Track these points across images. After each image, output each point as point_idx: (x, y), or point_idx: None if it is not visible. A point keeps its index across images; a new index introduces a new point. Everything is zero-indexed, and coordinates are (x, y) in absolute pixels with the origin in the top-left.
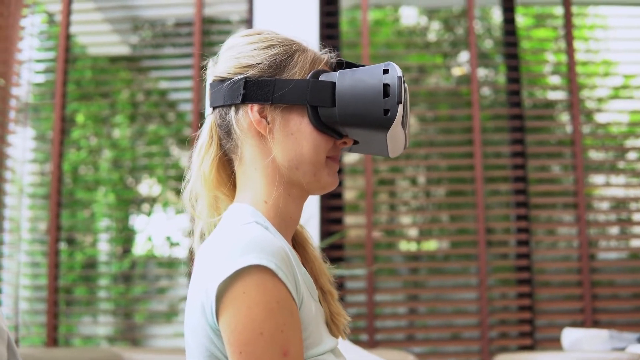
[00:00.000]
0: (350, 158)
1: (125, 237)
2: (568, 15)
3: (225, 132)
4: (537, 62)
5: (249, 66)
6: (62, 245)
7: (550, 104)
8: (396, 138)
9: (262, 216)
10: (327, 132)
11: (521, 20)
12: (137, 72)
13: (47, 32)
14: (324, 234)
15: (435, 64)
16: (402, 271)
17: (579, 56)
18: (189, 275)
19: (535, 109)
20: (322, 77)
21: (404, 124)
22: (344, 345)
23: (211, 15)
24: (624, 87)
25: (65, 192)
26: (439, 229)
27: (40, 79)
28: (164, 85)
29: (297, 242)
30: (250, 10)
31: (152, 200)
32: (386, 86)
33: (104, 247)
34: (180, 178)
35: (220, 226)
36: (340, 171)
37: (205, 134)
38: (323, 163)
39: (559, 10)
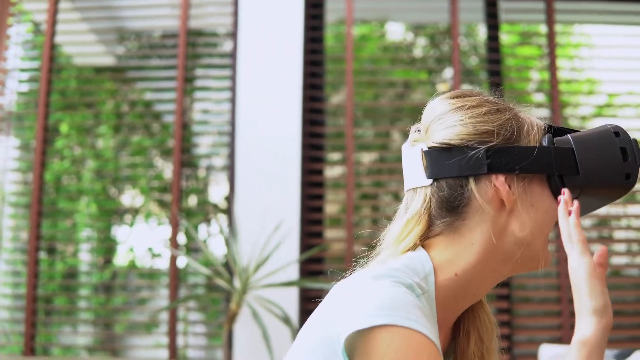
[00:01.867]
0: (333, 172)
1: (106, 248)
2: (551, 34)
3: (447, 206)
4: (521, 79)
5: (488, 132)
6: (43, 255)
7: None
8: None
9: (432, 279)
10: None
11: (506, 37)
12: (122, 82)
13: (32, 42)
14: (304, 247)
15: (420, 79)
16: None
17: (562, 74)
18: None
19: None
20: (557, 143)
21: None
22: None
23: (196, 27)
24: (608, 105)
25: (47, 202)
26: None
27: (25, 88)
28: (149, 96)
29: (464, 327)
30: (235, 24)
31: (135, 211)
32: (623, 149)
33: (85, 257)
34: (163, 189)
35: (380, 267)
36: (321, 185)
37: (418, 206)
38: (548, 237)
39: (543, 29)
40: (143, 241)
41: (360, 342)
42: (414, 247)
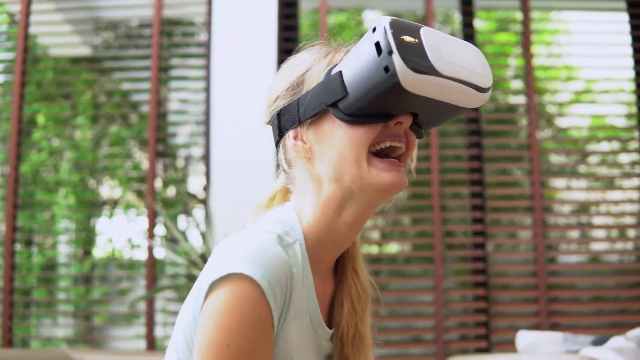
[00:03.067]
0: None
1: (85, 239)
2: (526, 20)
3: (284, 164)
4: (499, 66)
5: (277, 97)
6: (21, 247)
7: (511, 108)
8: (438, 87)
9: (299, 230)
10: (363, 121)
11: (483, 24)
12: (99, 73)
13: (6, 33)
14: None
15: None
16: None
17: (539, 61)
18: None
19: (494, 113)
20: (333, 71)
21: (420, 69)
22: None
23: (170, 17)
24: (586, 91)
25: (25, 194)
26: (399, 232)
27: (0, 79)
28: (126, 86)
29: (340, 279)
30: (209, 13)
31: (114, 203)
32: (377, 44)
33: (64, 249)
34: (141, 180)
35: (251, 227)
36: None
37: (277, 165)
38: (365, 160)
39: (519, 15)
40: (122, 232)
41: (215, 287)
42: (279, 203)
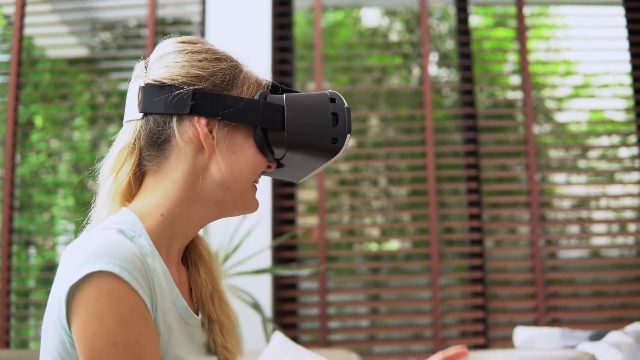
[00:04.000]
0: None
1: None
2: (520, 15)
3: (152, 141)
4: (496, 62)
5: (198, 77)
6: (18, 249)
7: (509, 104)
8: (325, 166)
9: (142, 228)
10: (267, 154)
11: (480, 20)
12: (97, 74)
13: (2, 35)
14: (277, 234)
15: (396, 64)
16: (364, 271)
17: (537, 56)
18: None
19: (491, 109)
20: (271, 99)
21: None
22: (287, 345)
23: (166, 16)
24: (584, 86)
25: (23, 196)
26: (399, 229)
27: None
28: (124, 87)
29: (192, 259)
30: (203, 12)
31: None
32: (334, 115)
33: (63, 250)
34: None
35: (89, 229)
36: None
37: (128, 138)
38: (252, 185)
39: (515, 10)
40: None
41: (78, 295)
42: (123, 198)
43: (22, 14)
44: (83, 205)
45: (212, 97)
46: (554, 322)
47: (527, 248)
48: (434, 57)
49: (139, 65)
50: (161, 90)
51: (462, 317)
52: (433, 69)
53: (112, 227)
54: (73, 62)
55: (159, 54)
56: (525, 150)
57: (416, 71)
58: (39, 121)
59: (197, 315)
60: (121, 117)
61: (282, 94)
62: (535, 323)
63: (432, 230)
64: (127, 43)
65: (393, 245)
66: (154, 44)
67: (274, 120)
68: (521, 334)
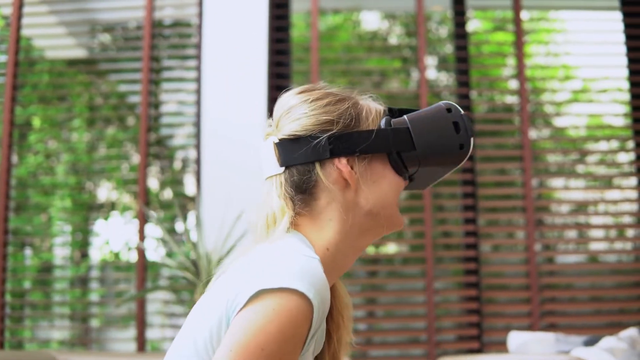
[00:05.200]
0: None
1: (82, 242)
2: (518, 20)
3: (300, 189)
4: (495, 66)
5: (329, 122)
6: (14, 250)
7: (508, 108)
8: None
9: (317, 257)
10: (402, 174)
11: (478, 24)
12: (95, 75)
13: (0, 36)
14: None
15: (395, 68)
16: (361, 274)
17: (536, 60)
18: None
19: (488, 113)
20: (394, 124)
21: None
22: None
23: (163, 18)
24: (583, 91)
25: (21, 196)
26: (396, 233)
27: None
28: (122, 88)
29: (333, 298)
30: (200, 15)
31: (111, 205)
32: (456, 124)
33: (60, 251)
34: (137, 182)
35: (278, 244)
36: None
37: (277, 195)
38: (397, 204)
39: (512, 15)
40: (118, 235)
41: (262, 297)
42: (287, 230)
43: (19, 15)
44: (80, 206)
45: (345, 137)
46: (550, 327)
47: (523, 253)
48: (432, 61)
49: (267, 123)
50: (298, 142)
51: (457, 321)
52: (432, 73)
53: (314, 256)
54: (71, 63)
55: (285, 109)
56: (521, 155)
57: (415, 75)
58: (37, 122)
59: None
60: (119, 119)
61: (399, 115)
62: (530, 328)
63: (427, 234)
64: (125, 45)
65: (390, 248)
66: (151, 46)
67: (405, 143)
68: (515, 338)
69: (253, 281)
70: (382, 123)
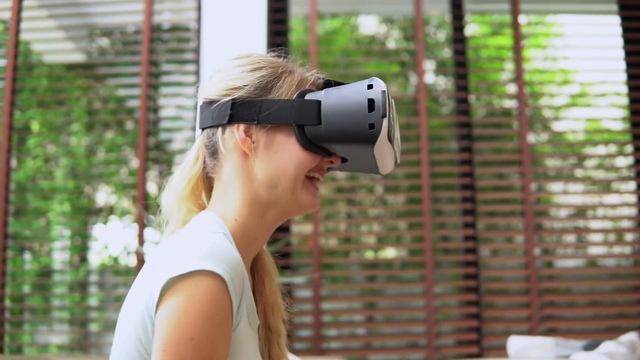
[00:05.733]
0: None
1: (81, 246)
2: (516, 24)
3: (211, 153)
4: (493, 70)
5: (236, 88)
6: (13, 254)
7: (506, 113)
8: (384, 154)
9: (228, 230)
10: (313, 150)
11: (476, 28)
12: (94, 79)
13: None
14: (271, 241)
15: (393, 72)
16: (360, 279)
17: (534, 64)
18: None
19: (486, 117)
20: (309, 97)
21: (390, 138)
22: None
23: (161, 23)
24: (581, 95)
25: (20, 201)
26: (395, 237)
27: None
28: (121, 93)
29: (257, 270)
30: (199, 19)
31: (110, 209)
32: (371, 101)
33: (59, 255)
34: (136, 186)
35: (186, 229)
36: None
37: (193, 154)
38: (301, 181)
39: (510, 19)
40: (118, 239)
41: (174, 287)
42: (198, 205)
43: (18, 19)
44: (79, 211)
45: (249, 104)
46: (549, 332)
47: (522, 257)
48: (430, 65)
49: (201, 86)
50: (210, 106)
51: (457, 325)
52: (430, 77)
53: (219, 231)
54: (70, 67)
55: (213, 72)
56: (520, 159)
57: (414, 79)
58: (35, 126)
59: (257, 319)
60: (118, 123)
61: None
62: (530, 332)
63: (426, 238)
64: (124, 49)
65: (389, 253)
66: (150, 51)
67: (309, 116)
68: (515, 343)
69: (162, 273)
70: (296, 94)
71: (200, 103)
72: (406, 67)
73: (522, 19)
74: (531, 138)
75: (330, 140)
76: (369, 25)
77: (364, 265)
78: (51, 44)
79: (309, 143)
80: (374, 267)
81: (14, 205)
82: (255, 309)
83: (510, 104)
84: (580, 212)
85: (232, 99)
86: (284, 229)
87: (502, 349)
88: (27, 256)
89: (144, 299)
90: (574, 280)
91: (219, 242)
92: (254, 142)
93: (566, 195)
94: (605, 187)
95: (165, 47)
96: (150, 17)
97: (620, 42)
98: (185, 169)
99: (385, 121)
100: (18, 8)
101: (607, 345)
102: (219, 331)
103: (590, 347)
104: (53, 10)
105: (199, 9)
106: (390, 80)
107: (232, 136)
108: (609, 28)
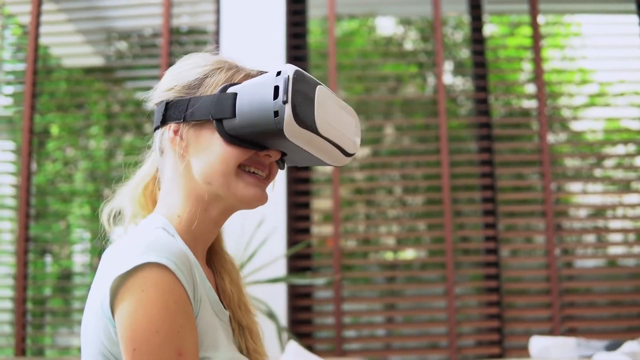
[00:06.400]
0: (326, 168)
1: (101, 248)
2: (535, 24)
3: (160, 154)
4: (511, 70)
5: (169, 89)
6: (34, 257)
7: (525, 113)
8: (314, 143)
9: (172, 227)
10: (237, 143)
11: (495, 29)
12: (112, 83)
13: (18, 44)
14: (292, 243)
15: (411, 73)
16: (379, 280)
17: (552, 64)
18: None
19: (506, 117)
20: (230, 90)
21: (307, 124)
22: (301, 354)
23: (179, 26)
24: (600, 94)
25: (40, 204)
26: (414, 238)
27: (12, 90)
28: (139, 95)
29: (216, 268)
30: (218, 22)
31: None
32: (276, 88)
33: (79, 258)
34: None
35: (128, 231)
36: (308, 181)
37: (148, 157)
38: (233, 174)
39: (529, 19)
40: None
41: (124, 287)
42: (147, 208)
43: (37, 23)
44: (99, 213)
45: (179, 103)
46: (570, 332)
47: (543, 257)
48: (449, 65)
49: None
50: (156, 108)
51: (478, 326)
52: (448, 78)
53: (157, 226)
54: (89, 71)
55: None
56: (540, 159)
57: (431, 80)
58: (55, 130)
59: (226, 310)
60: (136, 126)
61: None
62: (551, 332)
63: (447, 239)
64: (142, 52)
65: (409, 254)
66: (169, 54)
67: (225, 110)
68: (537, 343)
69: (109, 273)
70: (219, 89)
71: (151, 107)
72: (424, 68)
73: (540, 19)
74: (550, 138)
75: (243, 131)
76: (386, 26)
77: (384, 266)
78: (70, 47)
79: (230, 137)
80: (394, 268)
81: (34, 209)
82: (218, 300)
83: (529, 104)
84: (600, 212)
85: (167, 101)
86: (304, 231)
87: (523, 350)
88: (48, 259)
89: (100, 301)
90: (594, 280)
91: (159, 236)
92: (183, 140)
93: (585, 195)
94: (625, 186)
95: (183, 50)
96: (169, 20)
97: (638, 41)
98: (140, 171)
99: (287, 107)
100: (37, 13)
101: (630, 345)
102: (181, 319)
103: (612, 347)
104: (72, 14)
105: (217, 12)
106: (408, 81)
107: (166, 137)
108: (628, 27)
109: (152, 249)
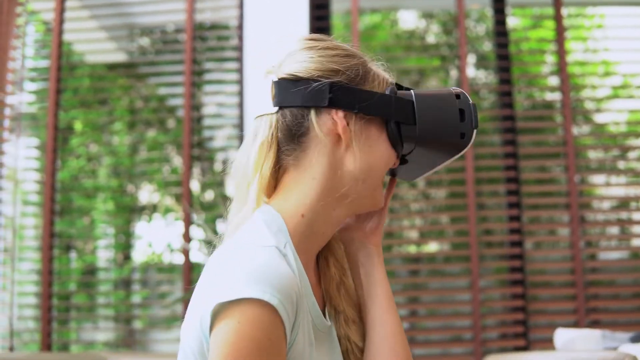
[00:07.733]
0: None
1: (125, 244)
2: (558, 16)
3: (290, 134)
4: (535, 63)
5: (334, 71)
6: (58, 253)
7: (549, 105)
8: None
9: (287, 234)
10: (397, 148)
11: (517, 21)
12: (135, 79)
13: (42, 41)
14: None
15: (434, 66)
16: (403, 274)
17: (575, 56)
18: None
19: (529, 110)
20: (399, 95)
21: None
22: None
23: (202, 21)
24: (624, 86)
25: (64, 200)
26: (438, 231)
27: (36, 87)
28: (162, 91)
29: (322, 251)
30: (241, 17)
31: (153, 207)
32: (462, 111)
33: (103, 253)
34: (179, 184)
35: (240, 234)
36: None
37: (266, 133)
38: (383, 179)
39: (552, 11)
40: (161, 237)
41: (223, 313)
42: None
43: (61, 20)
44: (122, 209)
45: (348, 90)
46: (594, 324)
47: (567, 250)
48: (471, 58)
49: (271, 62)
50: (297, 84)
51: (502, 319)
52: (471, 71)
53: (270, 245)
54: (112, 67)
55: (288, 51)
56: (564, 152)
57: (454, 73)
58: (78, 126)
59: (327, 320)
60: (160, 122)
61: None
62: (576, 325)
63: (471, 232)
64: (165, 48)
65: (432, 247)
66: (192, 49)
67: (406, 115)
68: (562, 335)
69: (211, 296)
70: (388, 90)
71: (274, 78)
72: (446, 61)
73: (564, 11)
74: (574, 130)
75: (420, 141)
76: (408, 20)
77: (407, 259)
78: (93, 44)
79: (400, 140)
80: (417, 261)
81: (59, 205)
82: (320, 314)
83: (552, 96)
84: (624, 203)
85: (332, 82)
86: None
87: (548, 342)
88: (73, 254)
89: (199, 317)
90: (618, 272)
91: (268, 260)
92: (351, 131)
93: (609, 187)
94: None
95: (206, 45)
96: (193, 16)
97: None
98: (262, 151)
99: (475, 133)
100: (60, 9)
101: None
102: (271, 355)
103: (637, 339)
104: (95, 10)
105: (241, 6)
106: (431, 74)
107: (329, 120)
108: None
109: (257, 280)
